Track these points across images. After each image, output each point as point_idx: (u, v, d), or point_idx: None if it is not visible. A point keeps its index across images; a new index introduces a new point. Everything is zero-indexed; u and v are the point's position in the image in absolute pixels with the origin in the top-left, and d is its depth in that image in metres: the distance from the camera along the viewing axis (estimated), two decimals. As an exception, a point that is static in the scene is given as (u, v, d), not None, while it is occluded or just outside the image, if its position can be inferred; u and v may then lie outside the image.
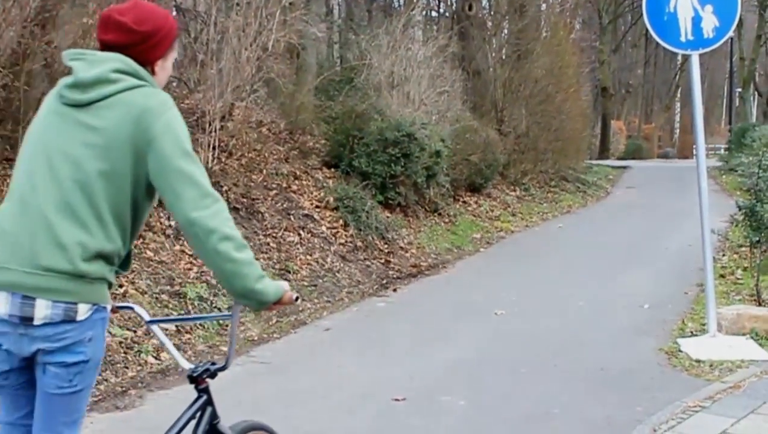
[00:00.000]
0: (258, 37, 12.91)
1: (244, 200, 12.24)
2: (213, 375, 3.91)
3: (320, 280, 11.80)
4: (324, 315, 10.55)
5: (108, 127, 3.26)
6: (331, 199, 14.10)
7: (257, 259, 10.23)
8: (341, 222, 13.76)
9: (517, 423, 6.57)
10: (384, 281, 12.58)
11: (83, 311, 3.23)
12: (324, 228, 13.32)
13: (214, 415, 3.92)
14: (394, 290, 12.04)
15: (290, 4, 14.71)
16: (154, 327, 4.02)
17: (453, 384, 7.57)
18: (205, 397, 3.92)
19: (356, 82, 16.98)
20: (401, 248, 14.42)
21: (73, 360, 3.26)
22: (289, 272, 11.47)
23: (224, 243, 3.36)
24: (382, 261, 13.49)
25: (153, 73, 3.50)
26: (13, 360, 3.30)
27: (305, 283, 11.49)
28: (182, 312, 9.27)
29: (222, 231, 3.35)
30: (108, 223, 3.29)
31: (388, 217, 15.03)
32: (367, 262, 13.19)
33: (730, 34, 9.16)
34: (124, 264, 3.50)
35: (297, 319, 10.22)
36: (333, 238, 13.21)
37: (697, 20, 8.73)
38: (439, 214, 17.21)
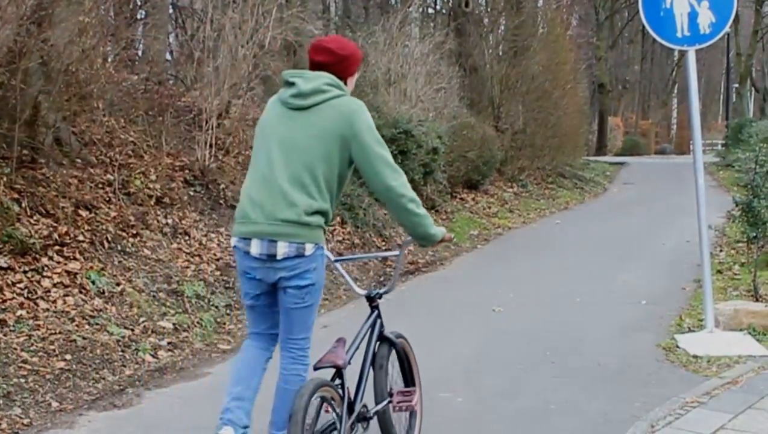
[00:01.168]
0: (254, 34, 12.91)
1: (242, 198, 12.23)
2: (380, 297, 5.67)
3: (318, 278, 11.78)
4: (321, 312, 10.52)
5: (324, 124, 4.85)
6: (329, 197, 14.11)
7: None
8: (338, 219, 13.75)
9: (515, 419, 6.57)
10: (381, 278, 12.57)
11: (309, 249, 4.85)
12: (321, 225, 13.32)
13: (381, 325, 5.66)
14: (392, 287, 12.03)
15: (287, 1, 14.72)
16: (337, 265, 5.83)
17: (451, 381, 7.57)
18: (377, 312, 5.65)
19: (353, 80, 16.99)
20: (398, 245, 14.41)
21: (304, 284, 4.93)
22: (287, 269, 11.46)
23: (411, 204, 5.02)
24: (380, 258, 13.49)
25: (345, 85, 5.06)
26: (263, 286, 5.01)
27: (303, 281, 11.48)
28: (179, 310, 9.27)
29: (409, 195, 5.03)
30: (323, 191, 4.86)
31: (385, 214, 15.01)
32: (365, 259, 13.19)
33: (727, 29, 9.18)
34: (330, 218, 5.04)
35: (294, 317, 10.22)
36: (330, 236, 13.20)
37: (693, 16, 8.74)
38: (437, 211, 17.20)
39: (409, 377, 5.93)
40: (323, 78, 4.93)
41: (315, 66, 5.02)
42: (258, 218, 4.88)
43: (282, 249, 4.83)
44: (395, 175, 5.02)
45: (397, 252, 5.97)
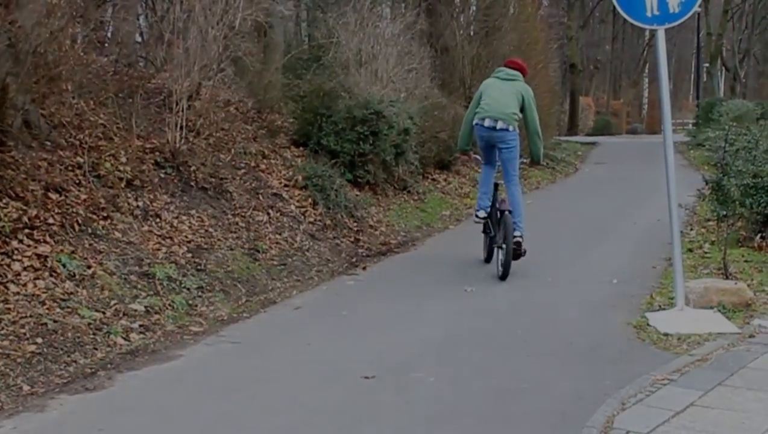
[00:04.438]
0: (225, 15, 12.83)
1: (213, 180, 12.19)
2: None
3: (289, 259, 11.78)
4: (293, 294, 10.54)
5: (515, 88, 11.30)
6: (300, 178, 14.06)
7: (226, 239, 10.29)
8: (310, 200, 13.73)
9: (487, 399, 6.60)
10: (353, 259, 12.58)
11: (511, 129, 11.10)
12: (293, 207, 13.30)
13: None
14: (364, 268, 12.04)
15: (257, -19, 14.60)
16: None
17: (423, 361, 7.59)
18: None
19: (324, 60, 16.93)
20: (370, 226, 14.42)
21: (509, 147, 11.25)
22: (259, 251, 11.44)
23: (540, 142, 11.69)
24: (352, 239, 13.49)
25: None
26: (488, 144, 11.43)
27: (274, 262, 11.47)
28: (151, 292, 9.24)
29: (541, 137, 11.70)
30: (516, 111, 11.23)
31: (357, 195, 15.02)
32: (337, 241, 13.18)
33: (696, 8, 9.19)
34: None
35: (266, 298, 10.22)
36: (302, 217, 13.19)
37: (662, -5, 8.75)
38: (408, 192, 17.20)
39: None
40: (517, 73, 11.49)
41: (509, 65, 11.66)
42: (491, 112, 11.14)
43: (500, 124, 11.13)
44: (537, 121, 11.46)
45: (525, 160, 12.62)
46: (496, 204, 11.63)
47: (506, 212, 11.10)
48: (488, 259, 11.97)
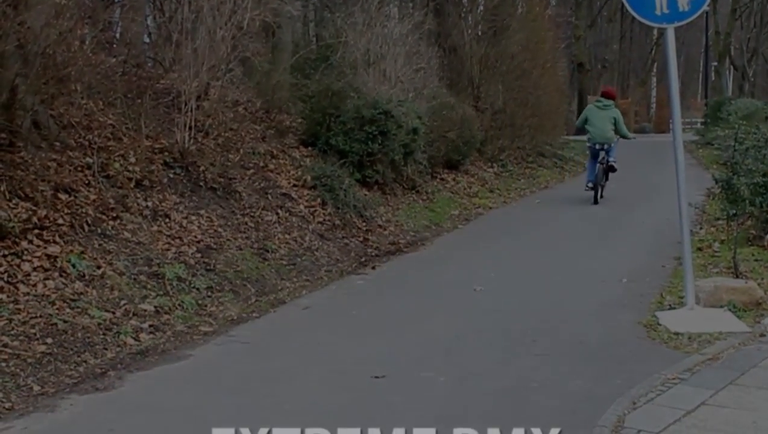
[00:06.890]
0: (233, 15, 12.83)
1: (221, 180, 12.20)
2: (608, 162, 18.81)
3: (299, 259, 11.78)
4: (303, 293, 10.54)
5: (609, 115, 18.39)
6: (309, 178, 14.05)
7: (235, 238, 10.25)
8: (319, 200, 13.72)
9: (497, 398, 6.59)
10: (362, 259, 12.57)
11: (612, 144, 18.60)
12: (302, 207, 13.30)
13: (607, 159, 18.63)
14: (373, 268, 12.03)
15: (265, -19, 14.59)
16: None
17: (433, 361, 7.58)
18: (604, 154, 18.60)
19: (332, 60, 16.91)
20: (379, 226, 14.40)
21: (609, 150, 18.35)
22: (268, 251, 11.44)
23: (625, 134, 18.99)
24: (361, 239, 13.48)
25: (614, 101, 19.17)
26: (596, 152, 18.31)
27: (284, 262, 11.47)
28: (161, 292, 9.25)
29: (626, 133, 19.06)
30: (611, 129, 18.37)
31: (365, 194, 15.00)
32: (346, 240, 13.17)
33: (705, 7, 9.16)
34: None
35: (276, 298, 10.21)
36: (311, 217, 13.19)
37: (672, -7, 8.74)
38: (417, 192, 17.19)
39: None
40: (611, 101, 18.65)
41: (604, 96, 18.99)
42: (597, 138, 18.19)
43: (605, 146, 18.06)
44: (625, 129, 18.79)
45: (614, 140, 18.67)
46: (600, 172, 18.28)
47: (604, 166, 18.18)
48: (596, 201, 18.22)
